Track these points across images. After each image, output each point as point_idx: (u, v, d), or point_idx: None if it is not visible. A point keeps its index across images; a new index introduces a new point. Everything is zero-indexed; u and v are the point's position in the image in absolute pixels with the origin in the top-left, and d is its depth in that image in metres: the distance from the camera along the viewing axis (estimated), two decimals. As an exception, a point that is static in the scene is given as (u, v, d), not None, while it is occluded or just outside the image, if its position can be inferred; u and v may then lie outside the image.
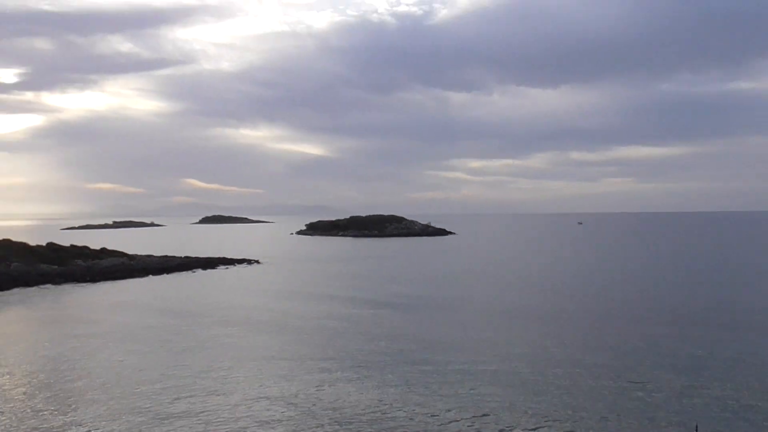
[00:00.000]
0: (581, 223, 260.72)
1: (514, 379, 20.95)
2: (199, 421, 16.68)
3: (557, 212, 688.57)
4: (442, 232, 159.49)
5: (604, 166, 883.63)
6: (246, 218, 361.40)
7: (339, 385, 20.36)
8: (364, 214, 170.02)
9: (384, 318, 34.54)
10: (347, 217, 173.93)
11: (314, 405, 18.12)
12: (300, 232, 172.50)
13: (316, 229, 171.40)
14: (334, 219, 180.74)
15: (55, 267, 55.51)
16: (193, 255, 71.82)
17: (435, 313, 36.24)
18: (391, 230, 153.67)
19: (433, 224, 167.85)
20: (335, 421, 16.73)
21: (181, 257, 69.21)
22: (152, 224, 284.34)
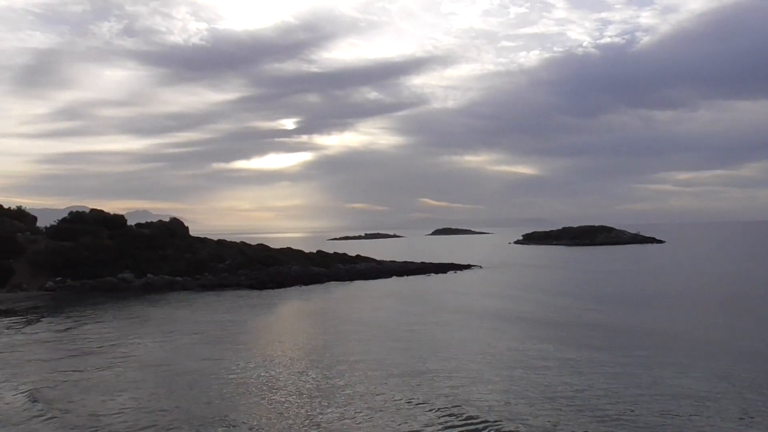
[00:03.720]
0: None
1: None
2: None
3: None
4: (651, 240, 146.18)
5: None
6: (470, 230, 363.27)
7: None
8: (575, 225, 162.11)
9: (602, 312, 32.73)
10: (559, 228, 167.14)
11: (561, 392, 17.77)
12: (517, 242, 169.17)
13: (531, 239, 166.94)
14: (547, 230, 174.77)
15: (323, 269, 60.70)
16: (428, 261, 74.00)
17: (652, 306, 33.45)
18: (601, 239, 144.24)
19: (642, 233, 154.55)
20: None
21: (418, 263, 71.69)
22: (395, 235, 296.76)
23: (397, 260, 72.72)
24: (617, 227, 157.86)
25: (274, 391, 18.09)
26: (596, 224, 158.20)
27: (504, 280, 58.45)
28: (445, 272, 67.29)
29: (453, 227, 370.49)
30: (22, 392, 18.17)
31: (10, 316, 35.27)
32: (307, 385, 18.68)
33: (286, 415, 15.71)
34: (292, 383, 18.98)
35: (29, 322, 33.06)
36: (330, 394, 17.68)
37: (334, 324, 32.05)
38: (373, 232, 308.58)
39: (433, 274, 64.80)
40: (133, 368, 21.49)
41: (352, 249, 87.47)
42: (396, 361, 21.98)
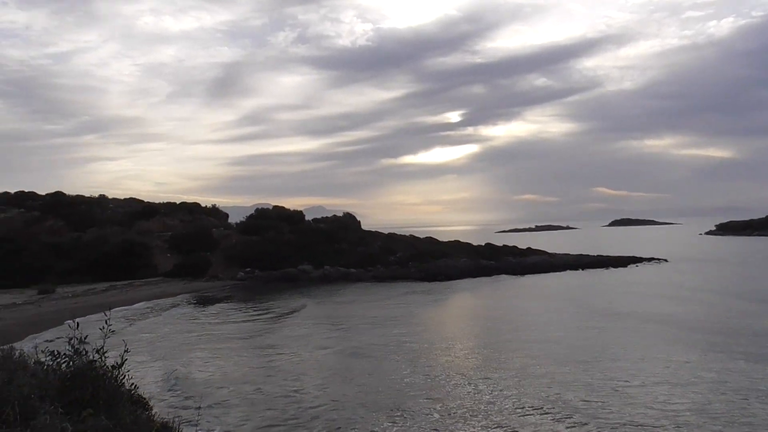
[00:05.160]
0: None
1: None
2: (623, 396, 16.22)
3: None
4: None
5: None
6: (652, 220, 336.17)
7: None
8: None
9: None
10: (762, 216, 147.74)
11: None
12: (709, 233, 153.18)
13: (726, 229, 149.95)
14: (746, 219, 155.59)
15: (492, 262, 60.06)
16: (605, 254, 69.78)
17: None
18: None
19: None
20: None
21: (593, 255, 67.93)
22: (567, 227, 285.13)
23: (571, 253, 69.60)
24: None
25: (446, 382, 18.24)
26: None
27: (695, 276, 53.15)
28: (625, 266, 62.95)
29: (633, 218, 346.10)
30: (208, 372, 20.33)
31: (211, 304, 39.71)
32: (480, 384, 18.54)
33: (456, 408, 15.75)
34: (463, 375, 18.98)
35: (224, 309, 36.95)
36: (500, 397, 17.39)
37: (503, 319, 31.52)
38: (543, 224, 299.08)
39: (611, 268, 61.04)
40: (314, 354, 23.00)
41: (522, 242, 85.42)
42: (564, 370, 21.00)
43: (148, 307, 37.17)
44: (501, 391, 17.10)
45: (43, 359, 4.54)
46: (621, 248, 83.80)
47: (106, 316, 4.70)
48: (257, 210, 69.83)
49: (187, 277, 52.49)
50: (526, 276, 54.96)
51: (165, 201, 71.30)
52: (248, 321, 31.96)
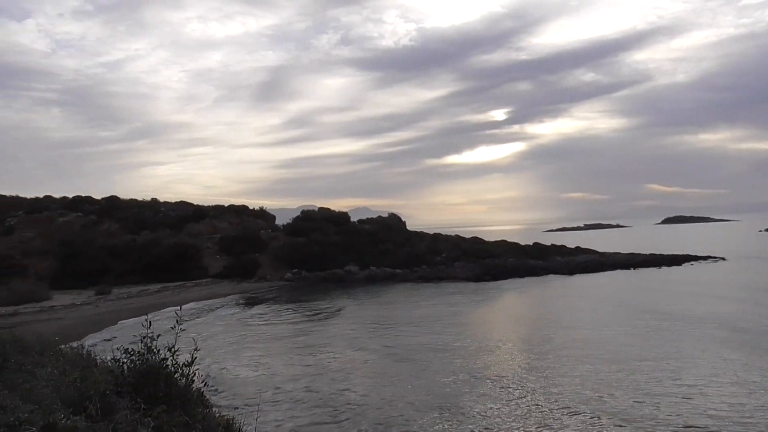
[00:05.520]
0: None
1: None
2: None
3: None
4: None
5: None
6: (708, 218, 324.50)
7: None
8: None
9: None
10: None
11: None
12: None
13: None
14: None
15: (540, 261, 59.24)
16: (657, 252, 67.84)
17: None
18: None
19: None
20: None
21: (646, 254, 66.15)
22: (617, 225, 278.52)
23: (622, 252, 68.01)
24: None
25: (494, 383, 18.15)
26: None
27: (756, 275, 51.17)
28: (680, 264, 61.09)
29: (687, 215, 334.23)
30: (257, 371, 20.76)
31: (259, 304, 40.50)
32: (529, 383, 18.38)
33: (504, 408, 15.66)
34: (511, 375, 18.85)
35: (272, 309, 37.62)
36: (549, 396, 17.19)
37: (551, 320, 31.08)
38: (592, 222, 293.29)
39: (665, 267, 59.33)
40: (361, 354, 23.22)
41: (570, 240, 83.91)
42: (613, 369, 20.57)
43: (198, 308, 38.19)
44: (549, 390, 16.92)
45: (118, 356, 4.79)
46: (675, 246, 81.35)
47: (177, 315, 4.93)
48: (303, 212, 70.73)
49: (236, 279, 53.66)
50: (575, 276, 53.98)
51: (213, 204, 73.03)
52: (295, 321, 32.48)
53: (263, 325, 31.52)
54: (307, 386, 18.41)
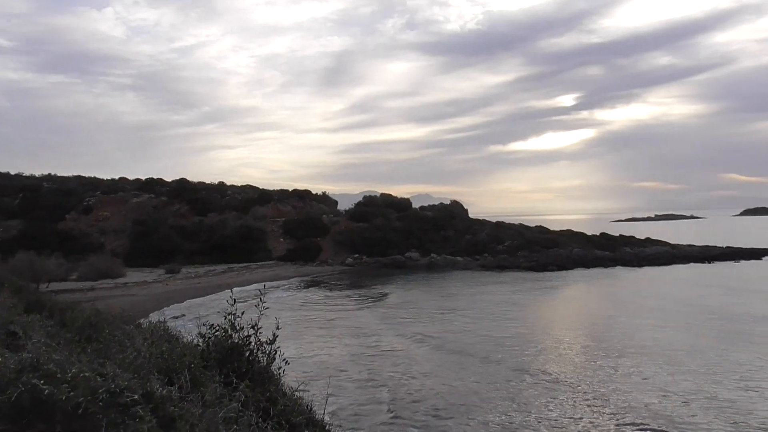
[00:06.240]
0: None
1: None
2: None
3: None
4: None
5: None
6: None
7: None
8: None
9: None
10: None
11: None
12: None
13: None
14: None
15: (607, 252, 57.67)
16: (735, 245, 64.65)
17: None
18: None
19: None
20: None
21: (722, 247, 63.22)
22: (692, 216, 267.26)
23: (696, 244, 65.25)
24: None
25: (557, 378, 17.89)
26: None
27: None
28: (759, 258, 58.07)
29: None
30: (320, 354, 21.18)
31: (320, 287, 41.29)
32: (595, 379, 18.03)
33: (570, 401, 15.44)
34: (575, 370, 18.53)
35: (334, 293, 38.28)
36: (614, 401, 16.81)
37: (616, 315, 30.16)
38: (664, 213, 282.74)
39: (743, 261, 56.49)
40: (423, 341, 23.33)
41: (640, 231, 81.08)
42: (677, 371, 19.82)
43: (260, 289, 39.27)
44: (608, 394, 16.55)
45: (203, 332, 5.03)
46: (755, 239, 77.35)
47: (261, 293, 5.14)
48: (365, 197, 71.35)
49: (299, 261, 54.87)
50: (644, 268, 52.24)
51: (278, 188, 74.66)
52: (356, 306, 32.93)
53: (325, 307, 32.13)
54: (371, 369, 18.69)
